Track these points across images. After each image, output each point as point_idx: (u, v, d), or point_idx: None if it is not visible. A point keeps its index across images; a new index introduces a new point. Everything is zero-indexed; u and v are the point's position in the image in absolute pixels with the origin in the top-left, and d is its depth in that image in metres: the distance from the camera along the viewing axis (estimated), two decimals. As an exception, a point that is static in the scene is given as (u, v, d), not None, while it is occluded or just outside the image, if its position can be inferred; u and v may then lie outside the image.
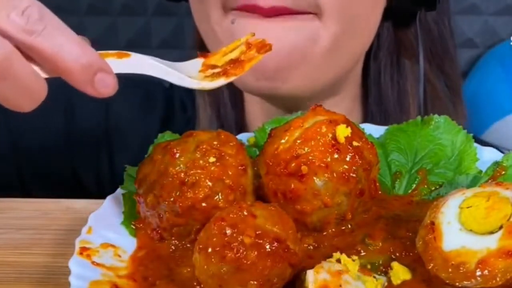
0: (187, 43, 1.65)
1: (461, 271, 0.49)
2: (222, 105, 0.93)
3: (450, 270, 0.49)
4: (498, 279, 0.48)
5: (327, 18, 0.75)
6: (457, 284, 0.49)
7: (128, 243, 0.57)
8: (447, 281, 0.50)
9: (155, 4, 1.68)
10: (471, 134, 0.65)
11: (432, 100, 0.90)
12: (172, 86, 1.02)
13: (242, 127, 0.94)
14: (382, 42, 0.87)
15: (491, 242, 0.49)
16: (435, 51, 0.91)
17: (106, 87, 0.48)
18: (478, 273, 0.48)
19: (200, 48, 0.92)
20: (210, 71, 0.55)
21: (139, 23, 1.69)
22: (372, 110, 0.91)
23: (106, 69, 0.48)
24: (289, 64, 0.76)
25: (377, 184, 0.61)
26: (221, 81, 0.54)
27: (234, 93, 0.92)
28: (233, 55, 0.56)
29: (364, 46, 0.84)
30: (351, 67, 0.86)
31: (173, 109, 0.99)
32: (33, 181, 0.95)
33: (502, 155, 0.64)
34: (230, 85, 0.89)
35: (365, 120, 0.91)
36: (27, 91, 0.47)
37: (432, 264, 0.50)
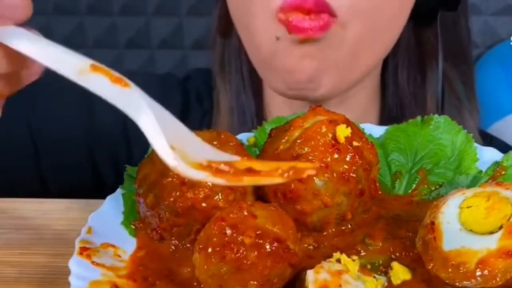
0: (187, 43, 1.66)
1: (461, 271, 0.49)
2: (243, 95, 0.93)
3: (450, 270, 0.49)
4: (498, 279, 0.48)
5: (349, 22, 0.75)
6: (457, 284, 0.49)
7: (128, 243, 0.57)
8: (447, 281, 0.50)
9: (155, 4, 1.68)
10: (471, 134, 0.65)
11: (449, 96, 0.91)
12: (188, 78, 1.02)
13: (261, 117, 0.94)
14: (402, 39, 0.87)
15: (491, 242, 0.49)
16: (453, 49, 0.92)
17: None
18: (478, 273, 0.48)
19: (224, 34, 0.92)
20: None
21: (139, 23, 1.69)
22: (389, 103, 0.92)
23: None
24: (320, 73, 0.77)
25: (377, 184, 0.61)
26: (201, 175, 0.44)
27: (255, 82, 0.92)
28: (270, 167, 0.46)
29: (390, 45, 0.85)
30: (376, 66, 0.87)
31: (189, 101, 0.98)
32: (52, 175, 0.95)
33: (502, 155, 0.64)
34: (251, 75, 0.89)
35: (382, 112, 0.93)
36: None
37: (432, 264, 0.51)
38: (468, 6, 0.95)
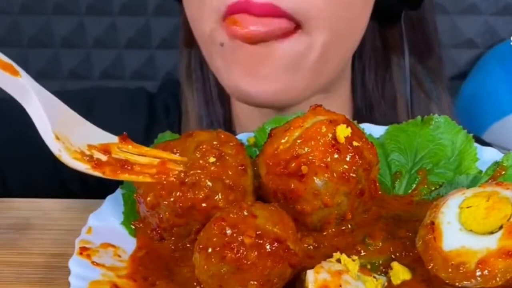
0: (187, 43, 1.66)
1: (461, 271, 0.49)
2: (211, 103, 0.93)
3: (450, 270, 0.49)
4: (498, 279, 0.48)
5: (314, 29, 0.75)
6: (457, 284, 0.49)
7: (128, 243, 0.57)
8: (447, 281, 0.49)
9: (155, 4, 1.68)
10: (471, 134, 0.65)
11: (418, 94, 0.91)
12: (161, 89, 1.03)
13: (230, 126, 0.94)
14: (367, 39, 0.87)
15: (491, 242, 0.49)
16: (420, 47, 0.92)
17: None
18: (478, 273, 0.48)
19: (188, 44, 0.92)
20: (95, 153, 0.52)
21: (139, 23, 1.69)
22: (358, 104, 0.92)
23: None
24: (284, 88, 0.77)
25: (377, 184, 0.61)
26: (82, 166, 0.50)
27: (222, 90, 0.92)
28: (144, 160, 0.54)
29: (354, 48, 0.85)
30: (342, 69, 0.87)
31: (155, 115, 0.99)
32: (15, 184, 0.95)
33: (502, 155, 0.64)
34: (218, 83, 0.90)
35: (353, 114, 0.93)
36: None
37: (432, 264, 0.50)
38: (433, 1, 0.94)
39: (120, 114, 0.97)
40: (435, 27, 0.94)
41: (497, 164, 0.63)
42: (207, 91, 0.93)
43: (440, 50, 0.95)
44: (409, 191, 0.64)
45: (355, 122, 0.61)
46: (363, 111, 0.91)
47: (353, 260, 0.51)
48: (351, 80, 0.92)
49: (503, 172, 0.62)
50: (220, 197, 0.55)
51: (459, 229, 0.51)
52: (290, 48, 0.75)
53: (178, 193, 0.54)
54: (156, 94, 1.03)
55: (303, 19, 0.74)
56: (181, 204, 0.54)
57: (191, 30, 0.84)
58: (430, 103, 0.92)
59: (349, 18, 0.78)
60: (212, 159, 0.55)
